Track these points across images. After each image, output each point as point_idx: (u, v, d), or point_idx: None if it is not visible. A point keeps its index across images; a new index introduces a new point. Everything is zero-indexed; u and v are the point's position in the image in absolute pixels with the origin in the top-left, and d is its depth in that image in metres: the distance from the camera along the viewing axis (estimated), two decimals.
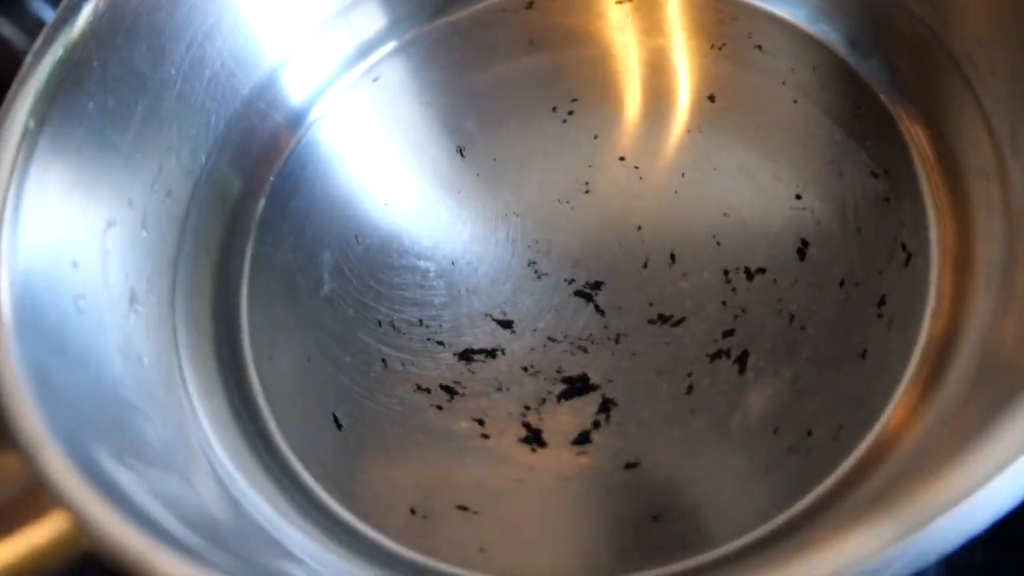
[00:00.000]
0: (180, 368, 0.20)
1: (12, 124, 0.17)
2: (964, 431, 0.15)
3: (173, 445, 0.17)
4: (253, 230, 0.24)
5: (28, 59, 0.18)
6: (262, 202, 0.25)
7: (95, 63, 0.19)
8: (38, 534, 0.13)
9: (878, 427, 0.18)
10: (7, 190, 0.16)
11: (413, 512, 0.19)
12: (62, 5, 0.19)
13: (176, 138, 0.22)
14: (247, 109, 0.24)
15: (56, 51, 0.18)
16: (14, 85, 0.18)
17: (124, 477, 0.14)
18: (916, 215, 0.20)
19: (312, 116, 0.25)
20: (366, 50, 0.26)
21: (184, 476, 0.17)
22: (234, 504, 0.18)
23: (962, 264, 0.19)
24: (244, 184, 0.24)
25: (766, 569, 0.12)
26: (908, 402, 0.18)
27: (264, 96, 0.25)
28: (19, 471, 0.13)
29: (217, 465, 0.19)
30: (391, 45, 0.26)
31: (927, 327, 0.19)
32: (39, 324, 0.15)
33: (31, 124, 0.17)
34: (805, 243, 0.20)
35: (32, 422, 0.13)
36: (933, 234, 0.20)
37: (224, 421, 0.21)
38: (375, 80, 0.26)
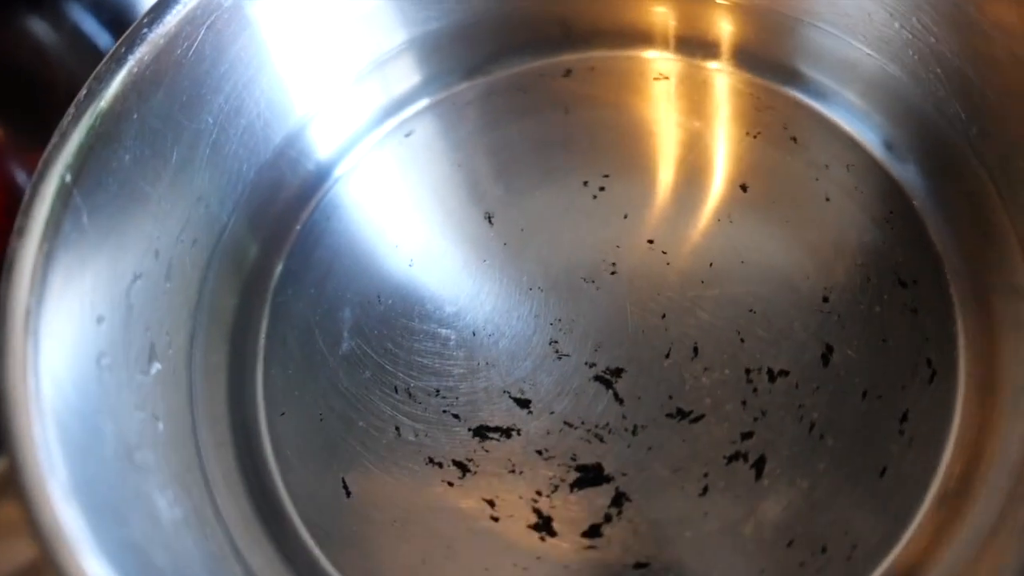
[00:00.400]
0: (194, 425, 0.20)
1: (48, 179, 0.17)
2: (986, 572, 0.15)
3: (181, 522, 0.17)
4: (274, 279, 0.24)
5: (71, 110, 0.18)
6: (286, 251, 0.24)
7: (135, 115, 0.19)
8: None
9: (895, 553, 0.18)
10: (39, 248, 0.16)
11: None
12: (107, 56, 0.19)
13: (207, 186, 0.22)
14: (278, 158, 0.24)
15: (98, 105, 0.18)
16: (54, 138, 0.17)
17: (131, 559, 0.13)
18: (943, 330, 0.20)
19: (340, 170, 0.25)
20: (399, 105, 0.26)
21: (193, 544, 0.16)
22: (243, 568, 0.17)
23: (989, 387, 0.19)
24: (269, 233, 0.24)
25: None
26: (928, 529, 0.18)
27: (295, 145, 0.25)
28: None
29: (224, 528, 0.18)
30: (424, 102, 0.26)
31: (950, 449, 0.18)
32: (62, 389, 0.15)
33: (67, 178, 0.17)
34: (830, 348, 0.20)
35: (53, 511, 0.13)
36: (960, 351, 0.20)
37: (231, 478, 0.20)
38: (406, 136, 0.26)
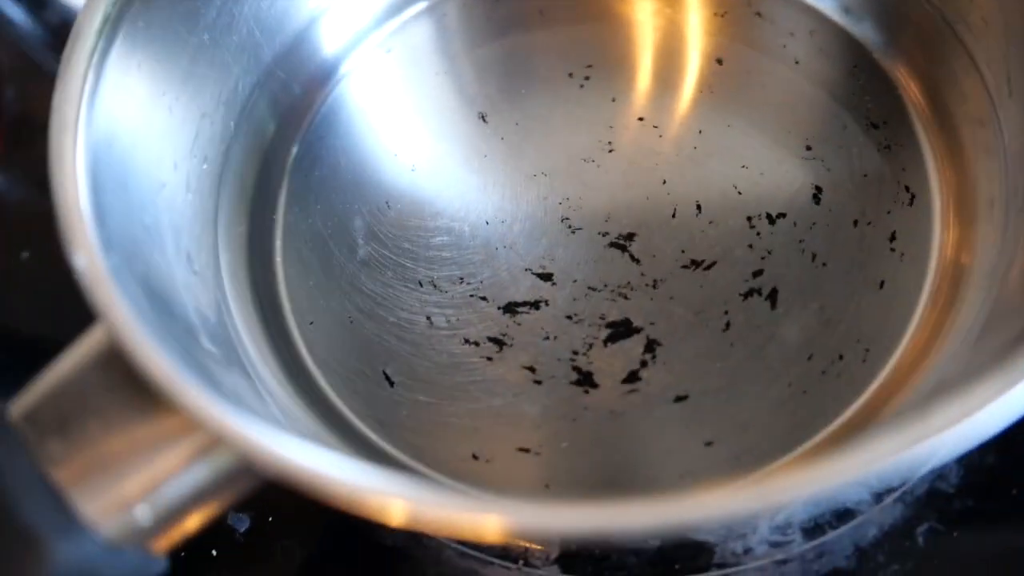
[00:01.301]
0: (236, 332, 0.20)
1: (71, 83, 0.17)
2: (979, 359, 0.17)
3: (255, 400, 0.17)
4: (281, 200, 0.24)
5: (77, 23, 0.18)
6: (287, 171, 0.25)
7: (140, 23, 0.19)
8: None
9: (901, 349, 0.20)
10: (78, 150, 0.16)
11: (475, 457, 0.20)
12: None
13: (210, 103, 0.22)
14: (270, 75, 0.24)
15: (107, 10, 0.18)
16: (67, 47, 0.17)
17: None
18: (915, 160, 0.22)
19: (339, 74, 0.26)
20: (397, 8, 0.26)
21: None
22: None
23: (963, 202, 0.21)
24: (269, 153, 0.25)
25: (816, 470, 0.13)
26: (926, 327, 0.20)
27: (287, 61, 0.25)
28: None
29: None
30: (421, 5, 0.26)
31: (936, 258, 0.21)
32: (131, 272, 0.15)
33: (88, 81, 0.17)
34: (819, 189, 0.22)
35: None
36: (932, 176, 0.22)
37: (282, 386, 0.21)
38: (388, 52, 0.26)
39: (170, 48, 0.20)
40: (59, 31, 0.30)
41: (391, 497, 0.12)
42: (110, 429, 0.13)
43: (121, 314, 0.13)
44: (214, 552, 0.21)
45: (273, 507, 0.21)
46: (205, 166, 0.22)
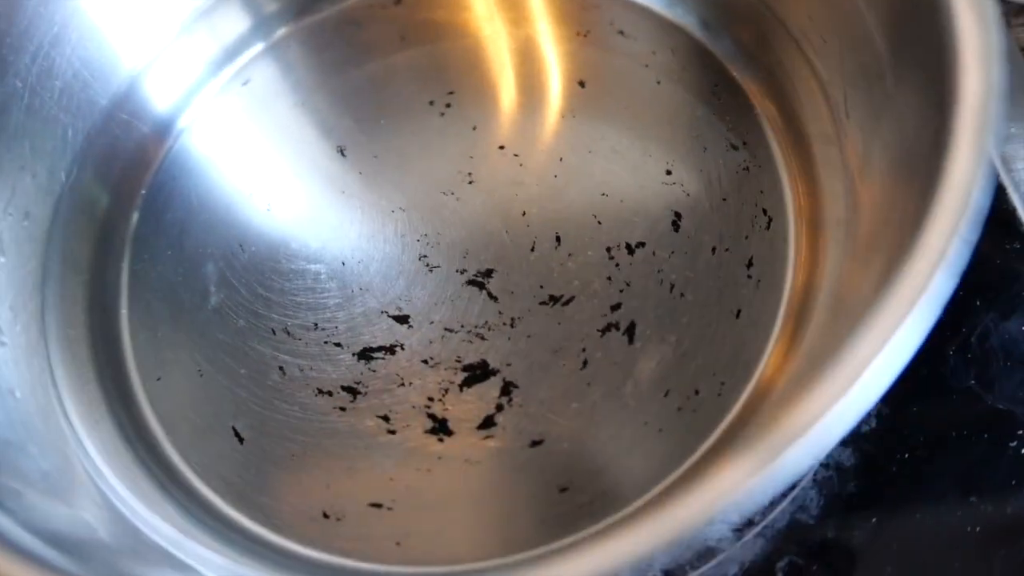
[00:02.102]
0: (59, 398, 0.19)
1: None
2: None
3: (57, 478, 0.16)
4: (127, 247, 0.23)
5: None
6: (134, 217, 0.23)
7: None
8: None
9: (755, 378, 0.19)
10: None
11: (326, 516, 0.19)
12: None
13: (29, 155, 0.20)
14: (107, 120, 0.23)
15: None
16: None
17: (3, 520, 0.13)
18: (773, 181, 0.22)
19: (181, 124, 0.24)
20: (232, 53, 0.25)
21: (73, 508, 0.16)
22: (134, 532, 0.17)
23: (815, 223, 0.21)
24: (112, 199, 0.23)
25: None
26: (779, 353, 0.19)
27: (126, 105, 0.23)
28: None
29: (111, 493, 0.18)
30: (259, 47, 0.25)
31: (789, 283, 0.20)
32: None
33: None
34: (678, 215, 0.22)
35: None
36: (788, 198, 0.21)
37: (115, 448, 0.20)
38: (244, 84, 0.25)
39: None
40: None
41: None
42: None
43: None
44: None
45: None
46: (26, 223, 0.20)
